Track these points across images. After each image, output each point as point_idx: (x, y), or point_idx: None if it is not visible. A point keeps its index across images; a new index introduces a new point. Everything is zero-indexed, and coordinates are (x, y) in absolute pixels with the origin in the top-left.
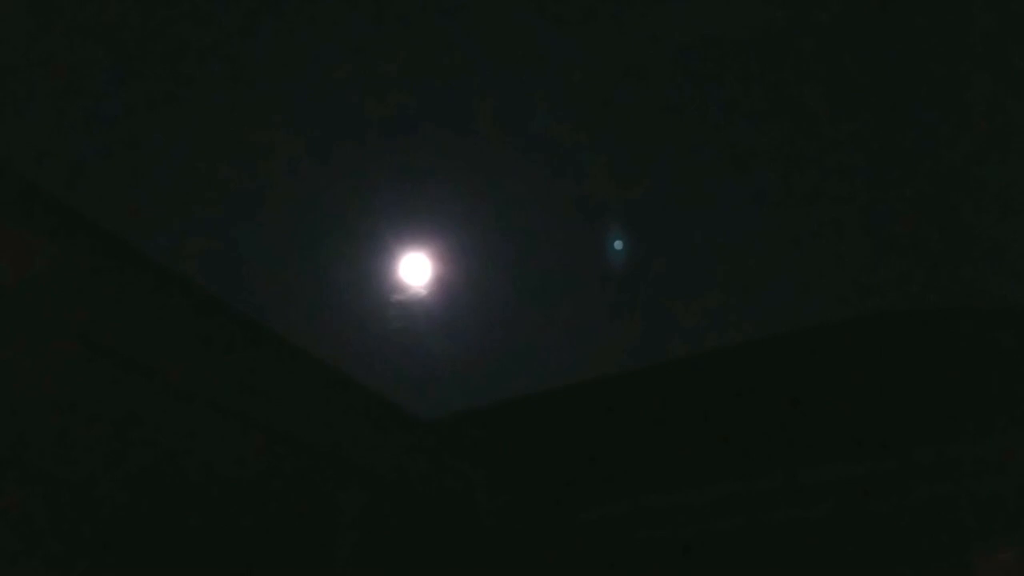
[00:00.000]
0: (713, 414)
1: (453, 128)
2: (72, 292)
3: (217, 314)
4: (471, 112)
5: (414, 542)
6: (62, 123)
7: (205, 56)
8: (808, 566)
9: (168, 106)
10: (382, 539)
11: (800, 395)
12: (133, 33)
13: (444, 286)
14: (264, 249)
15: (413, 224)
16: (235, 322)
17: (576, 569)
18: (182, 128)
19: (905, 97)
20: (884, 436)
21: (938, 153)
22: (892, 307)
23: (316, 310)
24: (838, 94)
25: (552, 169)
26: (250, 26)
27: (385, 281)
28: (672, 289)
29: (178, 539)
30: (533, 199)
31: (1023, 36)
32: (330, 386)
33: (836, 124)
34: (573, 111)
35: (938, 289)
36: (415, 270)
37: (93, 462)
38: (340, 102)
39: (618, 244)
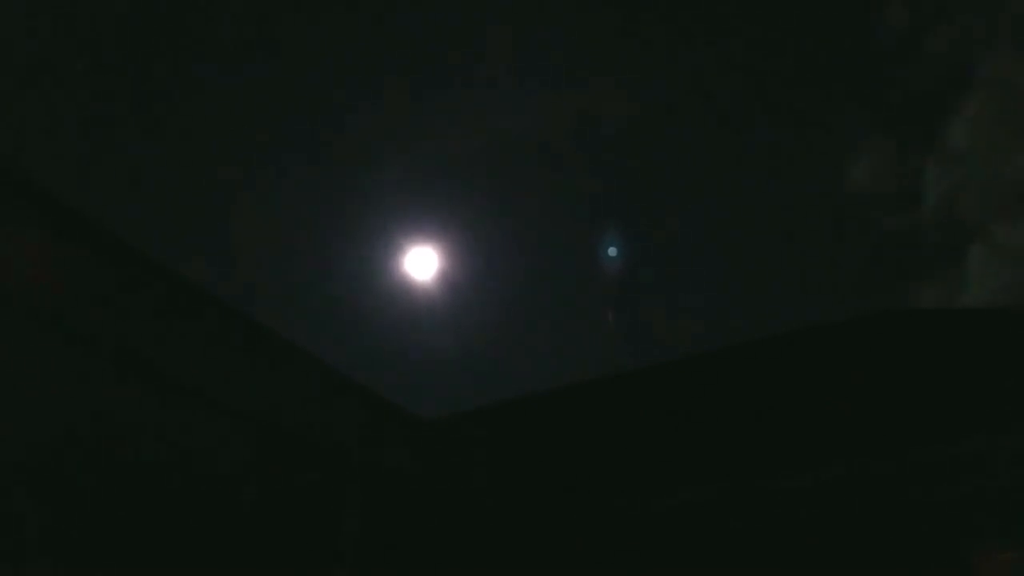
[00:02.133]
0: (713, 414)
1: (463, 128)
2: (72, 292)
3: (217, 314)
4: (478, 113)
5: (414, 541)
6: (62, 123)
7: (208, 53)
8: (808, 566)
9: (169, 104)
10: (382, 538)
11: (800, 395)
12: (134, 34)
13: (447, 283)
14: (264, 251)
15: (418, 220)
16: (235, 322)
17: (576, 567)
18: (183, 126)
19: None
20: (884, 436)
21: None
22: (892, 307)
23: (317, 310)
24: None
25: (557, 175)
26: (255, 23)
27: (387, 282)
28: (671, 292)
29: (179, 538)
30: (538, 204)
31: None
32: (330, 386)
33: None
34: (576, 120)
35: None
36: (421, 265)
37: (94, 460)
38: (346, 97)
39: (612, 251)
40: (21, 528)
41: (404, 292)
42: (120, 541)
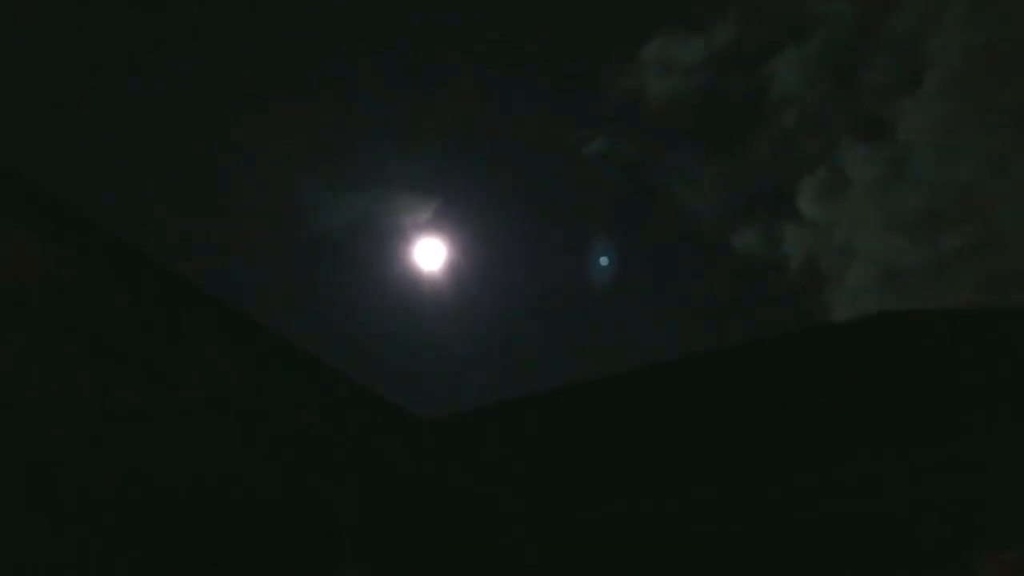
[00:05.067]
0: (712, 414)
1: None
2: (72, 292)
3: (218, 314)
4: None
5: (414, 542)
6: (62, 123)
7: (210, 48)
8: (808, 566)
9: (170, 101)
10: (382, 539)
11: (799, 395)
12: (133, 33)
13: (454, 276)
14: (263, 251)
15: (427, 211)
16: (236, 322)
17: (575, 568)
18: (185, 122)
19: None
20: (884, 436)
21: None
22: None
23: (318, 311)
24: None
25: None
26: (263, 16)
27: (393, 273)
28: (669, 294)
29: (176, 539)
30: (541, 212)
31: None
32: (330, 386)
33: None
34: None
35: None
36: (428, 256)
37: (94, 461)
38: (353, 89)
39: (604, 260)
40: (20, 529)
41: (410, 284)
42: (118, 541)
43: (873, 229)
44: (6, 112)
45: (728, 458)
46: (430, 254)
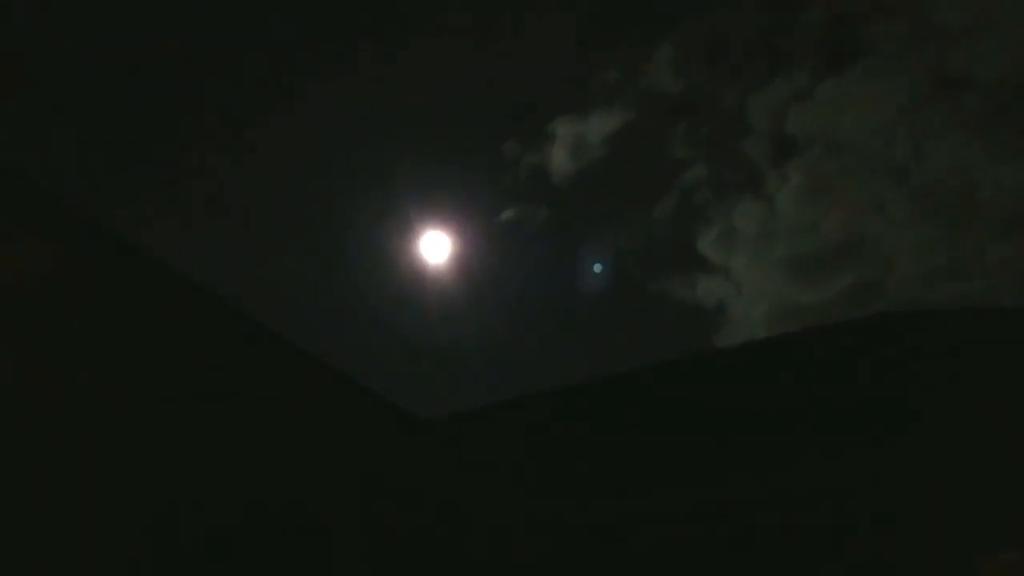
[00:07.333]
0: (713, 414)
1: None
2: (72, 292)
3: (218, 314)
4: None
5: (414, 541)
6: (63, 124)
7: (213, 44)
8: (808, 566)
9: (171, 98)
10: (382, 539)
11: (801, 394)
12: (133, 33)
13: (460, 271)
14: (263, 251)
15: (433, 205)
16: (236, 322)
17: (574, 568)
18: (185, 120)
19: None
20: (884, 436)
21: None
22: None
23: (319, 311)
24: None
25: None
26: (268, 12)
27: (398, 267)
28: (667, 296)
29: (177, 539)
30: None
31: None
32: (331, 386)
33: None
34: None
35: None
36: (433, 250)
37: (93, 461)
38: (359, 80)
39: (597, 267)
40: (19, 530)
41: (410, 283)
42: (119, 542)
43: (767, 273)
44: (6, 112)
45: (728, 458)
46: (439, 245)
